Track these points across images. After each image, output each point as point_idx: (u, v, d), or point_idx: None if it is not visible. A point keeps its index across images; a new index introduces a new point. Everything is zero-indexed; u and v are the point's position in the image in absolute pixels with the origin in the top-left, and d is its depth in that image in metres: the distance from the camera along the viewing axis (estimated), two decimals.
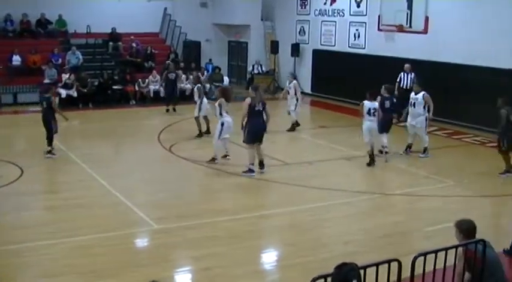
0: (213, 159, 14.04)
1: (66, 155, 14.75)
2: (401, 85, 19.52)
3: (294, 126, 18.38)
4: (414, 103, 15.02)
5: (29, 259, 8.59)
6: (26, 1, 24.22)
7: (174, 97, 21.52)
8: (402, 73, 19.74)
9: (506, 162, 13.61)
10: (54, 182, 12.96)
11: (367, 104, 14.09)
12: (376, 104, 14.14)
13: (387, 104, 14.62)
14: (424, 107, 14.89)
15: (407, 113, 15.30)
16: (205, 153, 14.91)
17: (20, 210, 10.68)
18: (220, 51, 29.55)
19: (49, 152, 14.43)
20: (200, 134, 16.90)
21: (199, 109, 16.62)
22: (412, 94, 15.19)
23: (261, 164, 13.40)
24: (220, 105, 13.81)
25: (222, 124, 13.82)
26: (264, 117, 13.28)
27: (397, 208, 11.37)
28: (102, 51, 25.17)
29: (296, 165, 14.42)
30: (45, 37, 24.74)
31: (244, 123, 13.19)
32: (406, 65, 19.81)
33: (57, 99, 21.46)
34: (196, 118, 16.85)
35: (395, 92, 19.07)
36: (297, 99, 18.38)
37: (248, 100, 13.20)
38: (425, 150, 15.04)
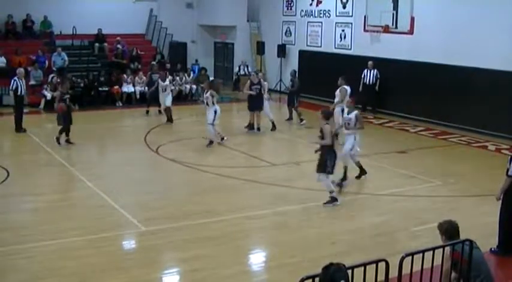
0: (211, 142, 15.85)
1: (52, 157, 14.67)
2: (365, 81, 21.30)
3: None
4: None
5: (13, 262, 8.52)
6: (11, 2, 24.09)
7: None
8: (366, 70, 21.38)
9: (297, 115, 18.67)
10: (40, 183, 12.84)
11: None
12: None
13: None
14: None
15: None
16: (192, 154, 15.00)
17: (5, 213, 10.61)
18: (206, 52, 29.55)
19: (67, 140, 15.83)
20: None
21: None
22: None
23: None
24: (212, 96, 15.74)
25: (215, 111, 15.71)
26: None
27: (384, 208, 11.39)
28: (88, 53, 25.04)
29: (283, 166, 14.42)
30: (30, 38, 24.60)
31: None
32: (369, 62, 21.28)
33: (42, 101, 21.42)
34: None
35: (360, 88, 20.06)
36: None
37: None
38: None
